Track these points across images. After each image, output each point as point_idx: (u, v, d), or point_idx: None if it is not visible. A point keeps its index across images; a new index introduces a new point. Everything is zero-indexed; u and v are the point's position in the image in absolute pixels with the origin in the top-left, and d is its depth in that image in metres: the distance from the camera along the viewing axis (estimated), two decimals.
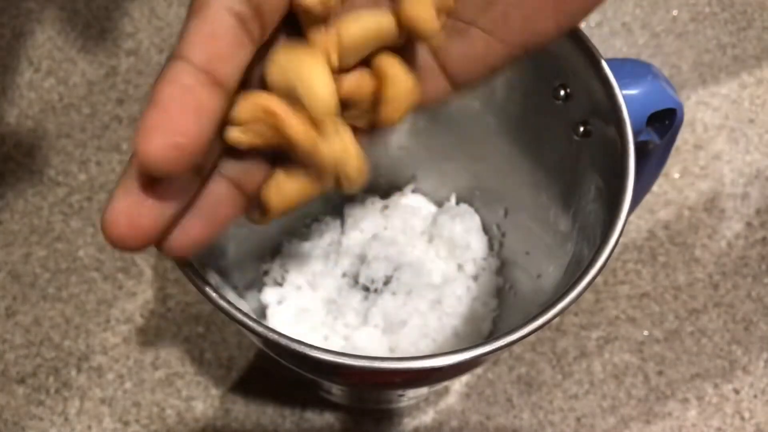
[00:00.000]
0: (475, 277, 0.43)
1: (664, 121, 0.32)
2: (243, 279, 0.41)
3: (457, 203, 0.45)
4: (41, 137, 0.50)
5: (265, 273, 0.44)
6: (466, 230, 0.43)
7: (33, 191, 0.48)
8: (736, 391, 0.44)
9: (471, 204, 0.44)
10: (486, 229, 0.44)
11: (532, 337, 0.44)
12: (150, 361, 0.44)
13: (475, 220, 0.44)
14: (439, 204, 0.46)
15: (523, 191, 0.39)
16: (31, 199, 0.48)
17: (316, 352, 0.24)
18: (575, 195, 0.33)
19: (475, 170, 0.42)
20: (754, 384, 0.44)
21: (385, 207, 0.46)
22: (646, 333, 0.45)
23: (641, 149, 0.34)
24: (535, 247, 0.38)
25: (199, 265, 0.28)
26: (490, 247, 0.44)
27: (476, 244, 0.43)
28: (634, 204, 0.37)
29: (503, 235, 0.43)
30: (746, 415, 0.43)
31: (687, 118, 0.52)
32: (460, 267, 0.44)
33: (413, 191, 0.46)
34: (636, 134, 0.29)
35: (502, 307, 0.42)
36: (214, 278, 0.32)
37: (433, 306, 0.42)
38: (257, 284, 0.44)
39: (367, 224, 0.45)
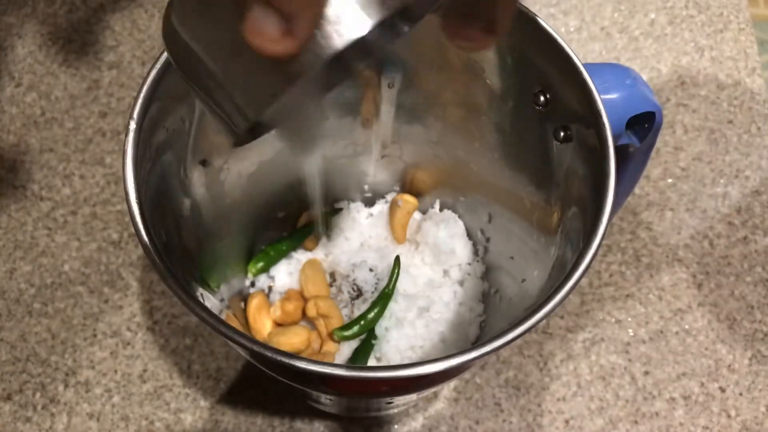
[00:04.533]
0: (461, 283, 0.43)
1: (644, 124, 0.32)
2: (229, 290, 0.41)
3: (441, 209, 0.45)
4: (24, 152, 0.50)
5: (252, 284, 0.44)
6: (451, 236, 0.43)
7: (16, 206, 0.48)
8: (722, 390, 0.44)
9: (455, 210, 0.44)
10: (470, 235, 0.44)
11: (518, 341, 0.44)
12: (138, 374, 0.44)
13: (459, 226, 0.44)
14: (423, 211, 0.46)
15: (506, 197, 0.39)
16: (14, 215, 0.48)
17: (301, 362, 0.24)
18: (558, 199, 0.33)
19: (459, 176, 0.42)
20: (739, 382, 0.45)
21: (370, 215, 0.46)
22: (631, 333, 0.46)
23: (622, 152, 0.34)
24: (519, 252, 0.39)
25: (183, 278, 0.28)
26: (475, 252, 0.44)
27: (461, 249, 0.43)
28: (616, 206, 0.38)
29: (488, 240, 0.43)
30: (732, 413, 0.44)
31: (667, 120, 0.52)
32: (445, 273, 0.44)
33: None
34: (616, 138, 0.30)
35: (488, 311, 0.43)
36: (199, 291, 0.32)
37: (420, 313, 0.42)
38: (244, 294, 0.44)
39: (352, 233, 0.46)
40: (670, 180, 0.50)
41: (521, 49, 0.31)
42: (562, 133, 0.31)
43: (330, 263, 0.45)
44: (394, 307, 0.42)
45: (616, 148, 0.29)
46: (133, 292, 0.46)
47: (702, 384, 0.44)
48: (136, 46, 0.54)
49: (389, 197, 0.46)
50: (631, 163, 0.35)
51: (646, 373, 0.45)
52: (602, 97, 0.29)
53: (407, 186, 0.46)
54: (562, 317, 0.46)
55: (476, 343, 0.36)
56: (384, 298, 0.42)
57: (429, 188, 0.45)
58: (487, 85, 0.34)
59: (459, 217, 0.44)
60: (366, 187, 0.46)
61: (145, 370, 0.44)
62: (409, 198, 0.44)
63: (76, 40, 0.54)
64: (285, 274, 0.44)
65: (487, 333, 0.42)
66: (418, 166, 0.43)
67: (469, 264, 0.43)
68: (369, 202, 0.47)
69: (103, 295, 0.46)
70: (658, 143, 0.51)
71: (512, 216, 0.39)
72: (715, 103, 0.53)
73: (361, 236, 0.46)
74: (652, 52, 0.55)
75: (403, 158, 0.43)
